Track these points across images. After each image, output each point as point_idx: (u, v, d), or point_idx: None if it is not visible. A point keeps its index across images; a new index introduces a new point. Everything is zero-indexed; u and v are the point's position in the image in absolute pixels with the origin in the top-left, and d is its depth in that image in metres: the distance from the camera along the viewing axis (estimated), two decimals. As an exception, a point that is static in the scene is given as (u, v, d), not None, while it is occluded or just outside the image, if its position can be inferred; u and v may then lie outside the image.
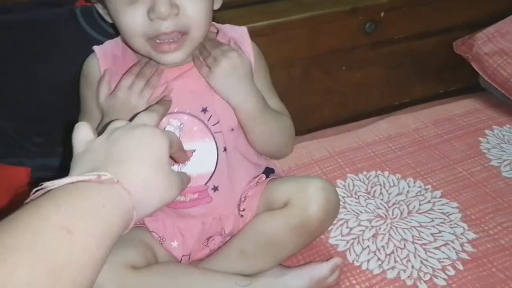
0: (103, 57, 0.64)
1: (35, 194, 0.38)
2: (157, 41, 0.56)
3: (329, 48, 0.99)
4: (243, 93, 0.62)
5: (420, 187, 0.82)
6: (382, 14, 0.98)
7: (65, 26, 0.72)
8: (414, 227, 0.73)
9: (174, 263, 0.64)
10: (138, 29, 0.56)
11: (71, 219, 0.36)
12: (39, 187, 0.38)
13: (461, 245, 0.70)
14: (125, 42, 0.61)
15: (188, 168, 0.61)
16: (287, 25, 0.93)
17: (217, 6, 0.63)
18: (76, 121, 0.49)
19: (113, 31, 0.71)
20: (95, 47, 0.65)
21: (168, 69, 0.62)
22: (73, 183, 0.38)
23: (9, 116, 0.72)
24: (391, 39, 1.04)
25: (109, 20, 0.61)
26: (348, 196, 0.81)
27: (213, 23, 0.70)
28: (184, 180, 0.48)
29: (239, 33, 0.67)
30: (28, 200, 0.38)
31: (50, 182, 0.38)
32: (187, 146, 0.60)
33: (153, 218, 0.65)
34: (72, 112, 0.68)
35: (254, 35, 0.89)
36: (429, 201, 0.78)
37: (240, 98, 0.62)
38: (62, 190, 0.38)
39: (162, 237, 0.65)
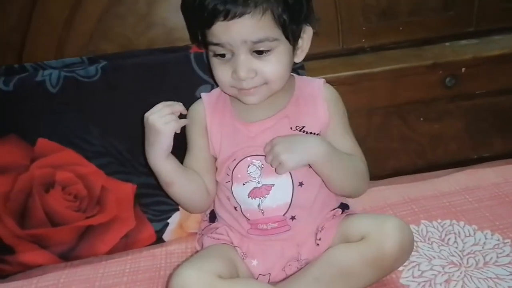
0: (209, 103, 0.78)
1: None
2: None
3: (408, 99, 1.04)
4: (307, 154, 0.69)
5: (498, 240, 0.81)
6: (463, 69, 1.02)
7: (180, 68, 0.86)
8: (491, 278, 0.73)
9: (254, 280, 0.71)
10: (226, 82, 0.71)
11: None
12: None
13: (542, 302, 0.68)
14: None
15: (268, 200, 0.72)
16: (369, 77, 1.01)
17: (299, 59, 0.75)
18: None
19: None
20: (202, 94, 0.79)
21: (256, 123, 0.73)
22: None
23: (124, 139, 0.85)
24: (472, 94, 1.06)
25: None
26: (421, 241, 0.82)
27: (293, 75, 0.81)
28: None
29: (315, 88, 0.78)
30: None
31: None
32: (267, 181, 0.72)
33: (239, 236, 0.73)
34: (176, 141, 0.79)
35: (338, 83, 0.98)
36: (508, 255, 0.77)
37: (309, 158, 0.69)
38: None
39: (245, 253, 0.72)
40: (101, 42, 0.99)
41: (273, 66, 0.69)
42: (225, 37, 0.67)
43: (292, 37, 0.70)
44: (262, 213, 0.72)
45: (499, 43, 1.06)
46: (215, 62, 0.71)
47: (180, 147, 0.77)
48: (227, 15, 0.64)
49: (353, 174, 0.75)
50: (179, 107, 0.71)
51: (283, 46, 0.69)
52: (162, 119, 0.68)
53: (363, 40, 1.07)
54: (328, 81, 0.95)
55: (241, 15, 0.64)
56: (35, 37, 0.95)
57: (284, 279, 0.71)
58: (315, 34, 1.07)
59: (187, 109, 0.80)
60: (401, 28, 1.07)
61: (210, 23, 0.67)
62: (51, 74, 0.84)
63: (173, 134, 0.69)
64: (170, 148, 0.71)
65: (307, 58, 1.03)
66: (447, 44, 1.08)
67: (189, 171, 0.75)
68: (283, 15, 0.66)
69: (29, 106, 0.83)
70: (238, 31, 0.66)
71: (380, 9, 1.05)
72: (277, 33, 0.67)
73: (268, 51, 0.68)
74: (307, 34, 0.73)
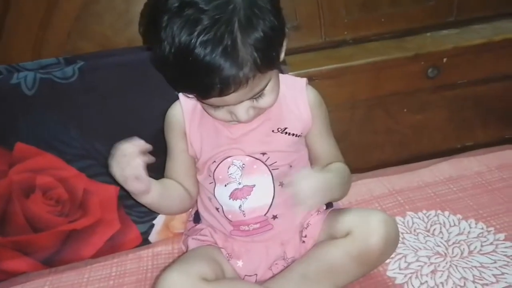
0: (186, 104, 0.74)
1: None
2: None
3: (391, 91, 1.05)
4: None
5: (482, 228, 0.82)
6: (445, 60, 1.02)
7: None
8: (475, 267, 0.74)
9: (239, 280, 0.71)
10: (221, 119, 0.68)
11: None
12: None
13: (525, 289, 0.69)
14: None
15: (249, 201, 0.71)
16: (352, 69, 1.01)
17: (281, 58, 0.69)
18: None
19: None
20: (180, 95, 0.76)
21: (238, 125, 0.70)
22: None
23: (104, 140, 0.83)
24: (454, 84, 1.07)
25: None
26: (407, 233, 0.83)
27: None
28: None
29: (298, 90, 0.75)
30: None
31: None
32: (248, 182, 0.70)
33: (223, 237, 0.73)
34: (157, 142, 0.77)
35: (321, 77, 0.98)
36: (491, 243, 0.78)
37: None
38: None
39: (230, 254, 0.72)
40: (79, 41, 0.97)
41: (269, 97, 0.66)
42: (220, 104, 0.64)
43: (279, 62, 0.66)
44: (244, 214, 0.71)
45: (480, 32, 1.07)
46: (208, 107, 0.67)
47: (161, 150, 0.76)
48: (222, 94, 0.60)
49: (346, 186, 0.76)
50: (136, 148, 0.65)
51: (274, 76, 0.66)
52: (122, 175, 0.65)
53: (345, 33, 1.07)
54: (311, 75, 0.95)
55: (235, 91, 0.60)
56: (10, 38, 0.93)
57: (271, 278, 0.71)
58: (297, 28, 1.07)
59: (166, 111, 0.78)
60: (382, 20, 1.07)
61: (203, 99, 0.64)
62: (27, 76, 0.82)
63: (138, 180, 0.65)
64: (148, 186, 0.68)
65: (289, 52, 1.02)
66: (428, 34, 1.08)
67: (171, 187, 0.75)
68: (271, 58, 0.61)
69: (5, 109, 0.81)
70: (234, 99, 0.62)
71: (362, 0, 1.05)
72: (268, 75, 0.64)
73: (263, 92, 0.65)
74: (285, 40, 0.68)
